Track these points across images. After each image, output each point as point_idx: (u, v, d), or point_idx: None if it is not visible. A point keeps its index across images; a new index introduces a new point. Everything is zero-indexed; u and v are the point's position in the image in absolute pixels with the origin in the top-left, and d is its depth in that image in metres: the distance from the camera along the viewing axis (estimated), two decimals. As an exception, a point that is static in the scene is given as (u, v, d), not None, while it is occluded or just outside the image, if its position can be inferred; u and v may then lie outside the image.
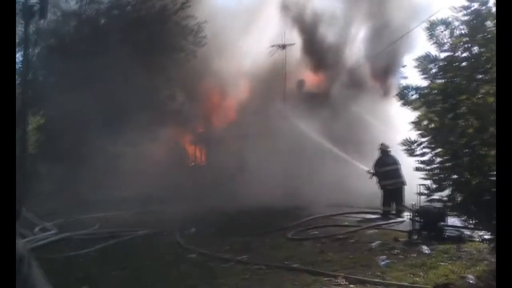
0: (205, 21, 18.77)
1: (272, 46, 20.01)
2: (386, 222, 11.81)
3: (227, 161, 19.46)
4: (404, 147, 7.41)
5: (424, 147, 7.18)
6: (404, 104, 7.41)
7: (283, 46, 20.01)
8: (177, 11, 19.38)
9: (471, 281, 6.45)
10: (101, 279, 7.44)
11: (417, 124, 7.14)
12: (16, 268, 1.20)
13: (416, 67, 7.08)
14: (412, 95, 7.33)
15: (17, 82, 21.20)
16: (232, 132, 18.43)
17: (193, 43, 19.16)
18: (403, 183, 12.61)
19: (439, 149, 7.05)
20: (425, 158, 7.18)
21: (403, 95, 7.45)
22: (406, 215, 11.75)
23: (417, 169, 7.31)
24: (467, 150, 6.65)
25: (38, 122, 21.89)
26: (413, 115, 7.39)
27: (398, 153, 12.04)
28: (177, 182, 20.32)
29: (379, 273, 7.36)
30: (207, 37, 18.90)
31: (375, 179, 13.19)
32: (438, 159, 7.04)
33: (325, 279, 7.16)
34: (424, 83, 7.20)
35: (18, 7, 15.87)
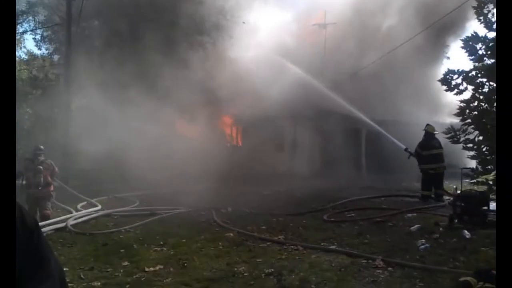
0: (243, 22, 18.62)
1: (314, 24, 19.64)
2: (426, 206, 11.56)
3: (265, 142, 19.47)
4: (448, 135, 7.19)
5: (468, 134, 6.95)
6: (448, 90, 7.16)
7: (324, 26, 19.59)
8: None
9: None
10: (140, 255, 7.63)
11: (462, 108, 6.90)
12: (27, 238, 1.29)
13: (462, 47, 6.81)
14: (456, 78, 7.06)
15: (60, 61, 21.80)
16: (270, 113, 18.36)
17: (231, 21, 19.07)
18: (445, 167, 12.28)
19: (485, 134, 6.81)
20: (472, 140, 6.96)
21: (447, 80, 7.19)
22: (447, 199, 11.46)
23: (464, 148, 7.08)
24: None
25: (80, 102, 22.45)
26: (458, 98, 7.15)
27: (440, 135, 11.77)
28: (214, 162, 20.52)
29: (418, 257, 7.24)
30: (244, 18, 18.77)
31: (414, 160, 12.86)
32: (485, 142, 6.81)
33: (363, 261, 7.09)
34: (469, 65, 6.93)
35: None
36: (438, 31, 16.04)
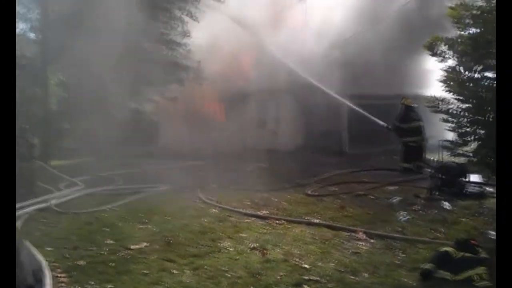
0: None
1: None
2: (406, 178, 11.74)
3: (247, 117, 19.44)
4: (428, 103, 7.27)
5: (449, 103, 7.03)
6: (433, 55, 7.18)
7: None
8: None
9: (492, 237, 6.43)
10: (124, 233, 7.63)
11: (445, 77, 6.96)
12: None
13: (449, 14, 6.83)
14: (441, 44, 7.07)
15: (37, 39, 21.26)
16: (251, 88, 18.26)
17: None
18: (426, 140, 12.42)
19: (466, 104, 6.89)
20: (452, 112, 7.04)
21: (432, 45, 7.20)
22: (427, 171, 11.65)
23: (444, 120, 7.18)
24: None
25: (58, 79, 21.99)
26: (440, 66, 7.18)
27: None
28: (196, 138, 20.47)
29: (399, 229, 7.42)
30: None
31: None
32: (465, 114, 6.91)
33: (345, 234, 7.25)
34: (454, 33, 6.96)
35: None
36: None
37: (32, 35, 23.35)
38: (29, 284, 1.23)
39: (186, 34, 18.91)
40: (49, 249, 6.58)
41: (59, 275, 5.58)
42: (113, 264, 6.02)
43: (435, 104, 7.30)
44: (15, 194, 1.24)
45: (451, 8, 6.86)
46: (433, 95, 7.36)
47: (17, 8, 22.99)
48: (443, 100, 7.15)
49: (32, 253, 1.45)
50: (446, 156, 10.50)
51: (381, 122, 13.08)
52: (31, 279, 1.22)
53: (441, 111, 7.29)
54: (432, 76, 8.85)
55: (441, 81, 7.05)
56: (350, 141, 17.22)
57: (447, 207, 8.74)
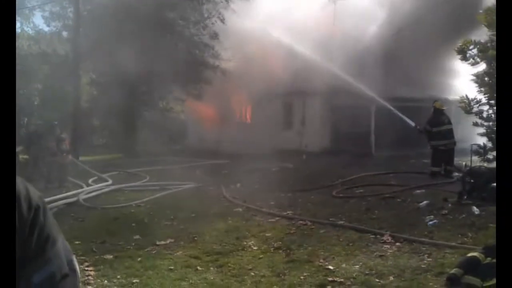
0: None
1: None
2: (435, 182, 11.52)
3: (273, 119, 19.43)
4: (461, 104, 7.12)
5: (481, 104, 6.87)
6: (463, 59, 7.04)
7: (334, 1, 19.15)
8: None
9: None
10: (151, 229, 7.74)
11: (477, 80, 6.81)
12: (32, 218, 1.24)
13: (480, 19, 6.68)
14: (472, 48, 6.94)
15: (69, 37, 21.75)
16: (278, 90, 18.24)
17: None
18: (455, 143, 12.19)
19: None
20: (483, 115, 6.89)
21: (463, 50, 7.06)
22: (456, 176, 11.41)
23: (475, 124, 7.02)
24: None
25: (90, 77, 22.48)
26: (473, 70, 7.05)
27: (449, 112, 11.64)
28: (222, 137, 20.58)
29: (426, 233, 7.27)
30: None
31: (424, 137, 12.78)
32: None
33: (371, 236, 7.15)
34: (485, 37, 6.80)
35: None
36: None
37: (65, 33, 23.91)
38: (65, 273, 1.24)
39: (214, 35, 19.07)
40: (77, 242, 6.72)
41: (86, 268, 5.71)
42: (140, 259, 6.12)
43: (467, 105, 7.15)
44: (15, 195, 1.25)
45: (483, 12, 6.70)
46: (465, 95, 7.21)
47: (50, 6, 23.61)
48: (475, 100, 6.99)
49: (66, 243, 1.47)
50: (476, 161, 10.27)
51: (411, 122, 12.90)
52: (65, 268, 1.23)
53: (473, 113, 7.14)
54: (464, 79, 8.67)
55: (474, 80, 6.90)
56: (377, 143, 17.00)
57: (476, 212, 8.53)
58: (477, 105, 7.06)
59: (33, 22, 28.23)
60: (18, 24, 26.78)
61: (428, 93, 15.32)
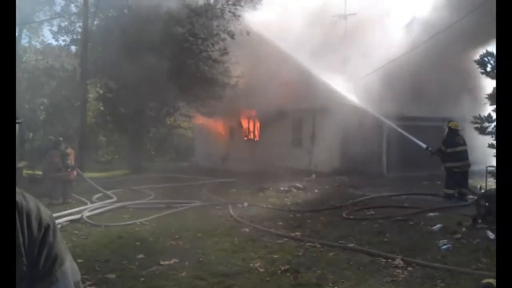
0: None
1: (333, 16, 19.23)
2: (449, 205, 11.24)
3: (283, 136, 19.29)
4: (475, 125, 6.89)
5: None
6: (484, 73, 6.80)
7: (344, 16, 19.18)
8: None
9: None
10: (155, 248, 7.55)
11: (492, 97, 6.58)
12: (42, 237, 1.25)
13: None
14: (493, 61, 6.70)
15: (77, 52, 21.94)
16: (288, 107, 18.12)
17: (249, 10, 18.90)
18: (470, 165, 11.91)
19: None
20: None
21: (483, 62, 6.82)
22: (470, 199, 11.13)
23: (490, 146, 6.77)
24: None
25: (97, 92, 22.53)
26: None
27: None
28: (230, 155, 20.46)
29: (439, 257, 7.01)
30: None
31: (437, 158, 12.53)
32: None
33: (382, 260, 6.90)
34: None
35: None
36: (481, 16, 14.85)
37: (73, 48, 24.07)
38: None
39: (224, 51, 19.10)
40: (80, 261, 6.54)
41: (88, 287, 5.53)
42: (143, 279, 5.93)
43: (481, 124, 6.91)
44: (15, 198, 1.18)
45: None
46: (478, 114, 6.98)
47: (59, 21, 23.85)
48: (489, 119, 6.75)
49: (74, 264, 1.42)
50: (491, 183, 10.00)
51: (422, 144, 12.65)
52: None
53: (485, 132, 6.90)
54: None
55: (488, 97, 6.65)
56: (389, 163, 16.75)
57: (491, 237, 8.24)
58: (492, 124, 6.81)
59: (42, 36, 28.60)
60: (26, 39, 27.17)
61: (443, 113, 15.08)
